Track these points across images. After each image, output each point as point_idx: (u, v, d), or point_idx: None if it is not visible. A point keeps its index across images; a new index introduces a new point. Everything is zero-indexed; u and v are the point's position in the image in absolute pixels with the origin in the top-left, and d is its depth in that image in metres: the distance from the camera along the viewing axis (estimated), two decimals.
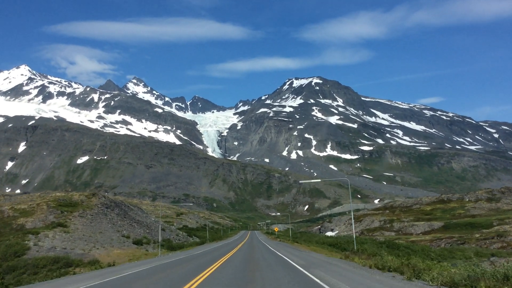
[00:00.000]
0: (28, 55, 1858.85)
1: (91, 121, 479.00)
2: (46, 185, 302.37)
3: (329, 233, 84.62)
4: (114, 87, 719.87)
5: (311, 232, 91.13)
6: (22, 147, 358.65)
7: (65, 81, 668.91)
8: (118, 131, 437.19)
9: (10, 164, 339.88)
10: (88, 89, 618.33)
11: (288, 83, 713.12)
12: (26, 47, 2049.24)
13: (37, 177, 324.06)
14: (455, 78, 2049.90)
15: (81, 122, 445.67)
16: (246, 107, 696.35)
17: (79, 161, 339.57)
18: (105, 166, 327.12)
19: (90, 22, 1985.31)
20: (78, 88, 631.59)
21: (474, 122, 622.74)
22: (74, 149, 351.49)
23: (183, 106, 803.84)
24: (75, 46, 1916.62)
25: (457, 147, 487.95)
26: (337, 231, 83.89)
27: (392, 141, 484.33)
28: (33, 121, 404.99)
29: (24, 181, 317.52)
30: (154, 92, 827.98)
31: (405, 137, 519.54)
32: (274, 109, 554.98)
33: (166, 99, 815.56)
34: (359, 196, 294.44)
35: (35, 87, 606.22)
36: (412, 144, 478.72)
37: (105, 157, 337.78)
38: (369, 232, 71.35)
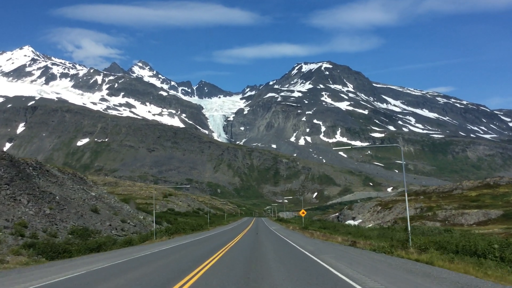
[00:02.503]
0: (34, 38, 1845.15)
1: (94, 103, 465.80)
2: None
3: (350, 222, 69.89)
4: (119, 70, 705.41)
5: (327, 220, 76.90)
6: (21, 128, 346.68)
7: (69, 63, 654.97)
8: (121, 114, 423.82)
9: (8, 145, 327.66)
10: (91, 71, 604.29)
11: (297, 67, 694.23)
12: (32, 30, 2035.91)
13: (35, 159, 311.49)
14: (467, 67, 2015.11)
15: (83, 104, 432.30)
16: (253, 92, 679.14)
17: (79, 143, 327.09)
18: (105, 149, 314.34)
19: (97, 6, 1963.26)
20: (82, 70, 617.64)
21: (488, 110, 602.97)
22: (75, 131, 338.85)
23: (189, 90, 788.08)
24: (81, 30, 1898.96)
25: (472, 135, 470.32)
26: (360, 220, 69.28)
27: (404, 128, 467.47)
28: (33, 102, 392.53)
29: None
30: (160, 76, 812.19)
31: (417, 125, 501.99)
32: (282, 93, 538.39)
33: (172, 83, 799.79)
34: (371, 184, 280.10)
35: (38, 68, 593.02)
36: (425, 131, 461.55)
37: (106, 140, 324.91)
38: (404, 222, 56.40)
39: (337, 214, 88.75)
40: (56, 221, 30.74)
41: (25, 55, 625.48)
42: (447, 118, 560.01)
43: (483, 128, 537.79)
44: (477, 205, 61.03)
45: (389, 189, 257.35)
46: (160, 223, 49.01)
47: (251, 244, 28.59)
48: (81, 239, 28.69)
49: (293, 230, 53.64)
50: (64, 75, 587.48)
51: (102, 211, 37.94)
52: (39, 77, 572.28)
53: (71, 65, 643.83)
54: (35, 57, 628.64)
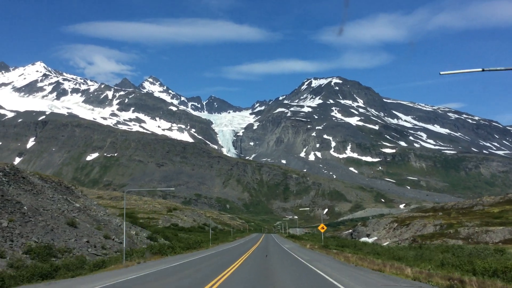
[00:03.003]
0: (46, 55, 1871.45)
1: (104, 118, 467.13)
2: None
3: (364, 240, 66.40)
4: (130, 86, 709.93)
5: (340, 237, 73.39)
6: (31, 143, 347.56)
7: (80, 79, 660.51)
8: (131, 129, 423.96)
9: (18, 160, 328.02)
10: (102, 86, 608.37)
11: (306, 83, 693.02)
12: (44, 46, 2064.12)
13: (44, 173, 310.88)
14: (478, 83, 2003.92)
15: (93, 119, 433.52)
16: (263, 108, 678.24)
17: (89, 157, 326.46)
18: (114, 164, 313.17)
19: (109, 23, 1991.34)
20: (93, 85, 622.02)
21: (501, 126, 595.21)
22: (84, 146, 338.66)
23: (199, 106, 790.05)
24: (93, 46, 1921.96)
25: (484, 151, 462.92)
26: (375, 237, 65.78)
27: (415, 144, 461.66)
28: (43, 116, 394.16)
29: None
30: (170, 91, 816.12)
31: (429, 140, 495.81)
32: (291, 109, 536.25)
33: (182, 98, 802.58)
34: (382, 200, 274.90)
35: (50, 84, 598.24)
36: (437, 147, 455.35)
37: (115, 154, 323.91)
38: (425, 239, 53.06)
39: (350, 231, 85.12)
40: (14, 236, 25.72)
41: (37, 71, 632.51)
42: (459, 134, 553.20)
43: (495, 144, 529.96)
44: (501, 222, 57.50)
45: (402, 206, 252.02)
46: (155, 239, 43.56)
47: (257, 276, 19.98)
48: (39, 260, 23.38)
49: (311, 249, 45.83)
50: (75, 91, 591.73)
51: (82, 225, 32.75)
52: (51, 92, 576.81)
53: (82, 80, 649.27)
54: (47, 73, 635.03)
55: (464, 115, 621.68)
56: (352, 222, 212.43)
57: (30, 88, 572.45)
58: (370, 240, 63.74)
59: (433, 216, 66.13)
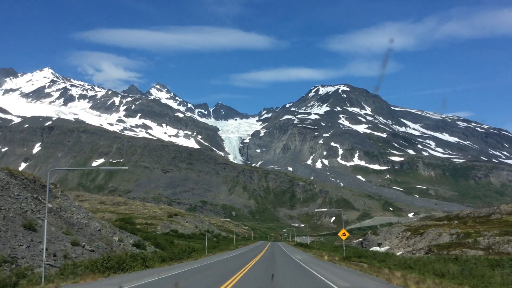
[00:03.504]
0: (55, 61, 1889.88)
1: (111, 124, 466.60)
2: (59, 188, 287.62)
3: (375, 249, 63.02)
4: (137, 92, 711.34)
5: (350, 246, 70.10)
6: (37, 148, 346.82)
7: (88, 85, 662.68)
8: (137, 135, 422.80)
9: (23, 165, 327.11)
10: (109, 92, 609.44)
11: (314, 90, 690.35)
12: (53, 53, 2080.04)
13: (50, 180, 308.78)
14: (486, 92, 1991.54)
15: (100, 125, 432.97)
16: (270, 115, 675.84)
17: (94, 163, 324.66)
18: (121, 170, 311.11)
19: (117, 30, 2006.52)
20: (100, 91, 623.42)
21: (510, 135, 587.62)
22: (90, 151, 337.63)
23: (205, 112, 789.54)
24: (102, 53, 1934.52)
25: (494, 160, 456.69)
26: (387, 247, 62.42)
27: (424, 152, 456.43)
28: (50, 122, 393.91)
29: None
30: (177, 98, 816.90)
31: (438, 149, 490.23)
32: (299, 116, 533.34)
33: (189, 105, 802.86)
34: (391, 208, 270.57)
35: (57, 90, 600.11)
36: (446, 156, 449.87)
37: (121, 160, 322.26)
38: (441, 249, 49.72)
39: (360, 239, 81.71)
40: None
41: (44, 77, 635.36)
42: (468, 142, 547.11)
43: (505, 153, 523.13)
44: None
45: (410, 215, 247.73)
46: (143, 247, 37.21)
47: None
48: None
49: (331, 262, 37.30)
50: (82, 97, 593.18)
51: (44, 228, 27.85)
52: (58, 98, 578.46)
53: (89, 86, 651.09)
54: (55, 79, 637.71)
55: (473, 124, 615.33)
56: (360, 230, 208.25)
57: (38, 94, 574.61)
58: (382, 249, 60.43)
59: (448, 225, 62.74)
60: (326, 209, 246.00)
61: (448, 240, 55.42)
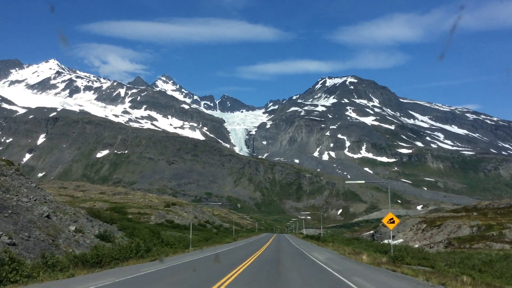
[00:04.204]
0: (61, 53, 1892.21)
1: (116, 116, 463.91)
2: (63, 178, 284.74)
3: (387, 241, 58.61)
4: (143, 84, 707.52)
5: (362, 239, 65.79)
6: (41, 139, 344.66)
7: (93, 76, 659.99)
8: (143, 126, 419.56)
9: (28, 156, 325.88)
10: (115, 84, 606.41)
11: (321, 82, 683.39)
12: (59, 45, 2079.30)
13: (54, 170, 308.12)
14: (495, 84, 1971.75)
15: (105, 116, 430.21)
16: (276, 107, 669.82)
17: (99, 154, 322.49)
18: (125, 161, 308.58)
19: (123, 22, 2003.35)
20: (106, 83, 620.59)
21: None
22: (95, 143, 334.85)
23: (211, 105, 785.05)
24: (108, 46, 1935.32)
25: (503, 152, 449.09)
26: (400, 240, 58.03)
27: (432, 145, 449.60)
28: (55, 113, 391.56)
29: (40, 174, 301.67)
30: (183, 90, 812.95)
31: (446, 141, 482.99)
32: (305, 108, 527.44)
33: (195, 97, 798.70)
34: (399, 201, 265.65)
35: (63, 81, 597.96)
36: (454, 148, 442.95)
37: (126, 151, 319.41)
38: (462, 243, 45.20)
39: (371, 232, 77.36)
40: None
41: (50, 68, 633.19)
42: (477, 134, 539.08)
43: None
44: None
45: (419, 207, 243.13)
46: (109, 239, 28.90)
47: None
48: None
49: (378, 266, 24.80)
50: (87, 88, 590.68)
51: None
52: (63, 89, 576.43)
53: (95, 78, 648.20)
54: (60, 70, 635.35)
55: (483, 116, 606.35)
56: (368, 223, 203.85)
57: (43, 85, 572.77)
58: (396, 242, 56.06)
59: (466, 217, 58.23)
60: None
61: (468, 232, 50.96)
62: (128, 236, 32.58)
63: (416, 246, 50.96)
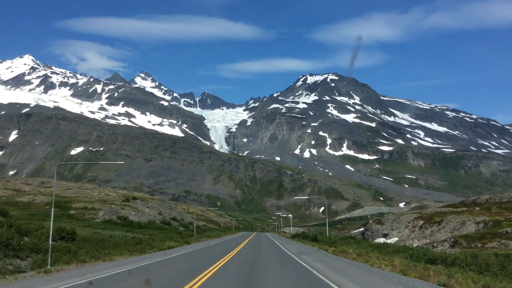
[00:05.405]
0: (37, 50, 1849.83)
1: (92, 112, 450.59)
2: (35, 177, 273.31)
3: (380, 240, 52.39)
4: (121, 80, 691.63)
5: (354, 237, 59.57)
6: (13, 136, 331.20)
7: (69, 72, 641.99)
8: (120, 123, 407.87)
9: None
10: (91, 80, 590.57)
11: (302, 79, 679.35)
12: (35, 41, 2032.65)
13: (26, 168, 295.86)
14: (472, 84, 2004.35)
15: (81, 112, 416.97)
16: (257, 104, 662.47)
17: (73, 152, 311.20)
18: (100, 158, 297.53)
19: (101, 19, 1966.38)
20: (82, 79, 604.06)
21: (499, 125, 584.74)
22: (69, 139, 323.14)
23: (191, 102, 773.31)
24: (85, 42, 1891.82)
25: (483, 150, 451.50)
26: (395, 238, 51.82)
27: (413, 142, 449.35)
28: (28, 109, 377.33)
29: (11, 172, 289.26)
30: (162, 87, 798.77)
31: (427, 138, 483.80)
32: (286, 105, 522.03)
33: (175, 94, 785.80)
34: (381, 198, 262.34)
35: (37, 77, 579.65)
36: (435, 145, 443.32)
37: (101, 149, 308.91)
38: (472, 241, 38.96)
39: (361, 229, 71.31)
40: None
41: (25, 64, 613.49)
42: (457, 132, 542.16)
43: (494, 143, 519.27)
44: None
45: (401, 205, 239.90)
46: None
47: None
48: None
49: None
50: (63, 84, 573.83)
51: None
52: (38, 85, 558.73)
53: (71, 74, 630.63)
54: (35, 66, 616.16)
55: (462, 114, 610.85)
56: (350, 221, 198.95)
57: (17, 81, 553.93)
58: (389, 241, 49.73)
59: (468, 212, 52.31)
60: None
61: (474, 229, 44.93)
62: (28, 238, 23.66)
63: (415, 245, 44.70)
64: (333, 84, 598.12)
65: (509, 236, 37.67)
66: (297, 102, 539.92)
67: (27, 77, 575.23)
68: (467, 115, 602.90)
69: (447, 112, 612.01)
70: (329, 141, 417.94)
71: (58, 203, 43.25)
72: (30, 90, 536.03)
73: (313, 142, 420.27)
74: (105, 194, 69.13)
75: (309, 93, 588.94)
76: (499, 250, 35.80)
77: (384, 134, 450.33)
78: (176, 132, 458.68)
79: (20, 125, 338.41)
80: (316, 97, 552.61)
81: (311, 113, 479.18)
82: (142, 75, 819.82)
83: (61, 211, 43.60)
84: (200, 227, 66.85)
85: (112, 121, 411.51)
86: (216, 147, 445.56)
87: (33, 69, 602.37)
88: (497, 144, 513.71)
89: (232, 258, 27.04)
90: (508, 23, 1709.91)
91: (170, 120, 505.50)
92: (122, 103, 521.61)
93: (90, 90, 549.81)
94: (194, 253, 33.32)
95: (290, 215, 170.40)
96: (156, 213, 63.81)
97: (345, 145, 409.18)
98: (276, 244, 44.96)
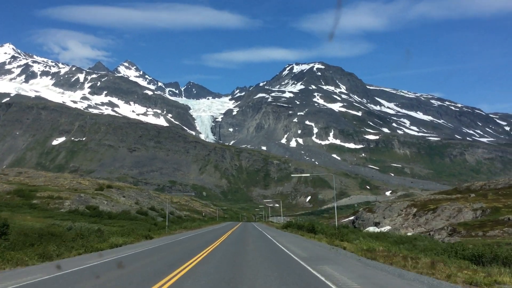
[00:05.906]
0: (19, 39, 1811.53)
1: (74, 102, 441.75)
2: (15, 167, 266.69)
3: (371, 229, 49.64)
4: (104, 69, 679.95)
5: (342, 226, 57.05)
6: None
7: (51, 61, 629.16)
8: (103, 113, 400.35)
9: None
10: (74, 69, 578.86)
11: (288, 68, 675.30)
12: (16, 30, 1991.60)
13: (6, 159, 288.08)
14: (457, 74, 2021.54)
15: (63, 102, 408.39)
16: (243, 94, 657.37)
17: (55, 142, 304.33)
18: (82, 148, 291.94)
19: (83, 7, 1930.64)
20: (64, 68, 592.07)
21: (483, 113, 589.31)
22: (50, 129, 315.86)
23: (177, 91, 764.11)
24: (68, 31, 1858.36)
25: (468, 138, 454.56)
26: (387, 227, 49.17)
27: (399, 131, 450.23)
28: (8, 99, 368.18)
29: None
30: (146, 76, 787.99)
31: (412, 127, 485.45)
32: (273, 94, 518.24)
33: (159, 84, 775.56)
34: (368, 187, 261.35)
35: (18, 66, 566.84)
36: (420, 134, 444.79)
37: (84, 139, 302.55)
38: (471, 229, 36.31)
39: (351, 218, 68.88)
40: None
41: (5, 53, 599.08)
42: (442, 121, 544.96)
43: (478, 131, 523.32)
44: None
45: (388, 193, 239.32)
46: None
47: None
48: None
49: None
50: (45, 73, 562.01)
51: None
52: (19, 75, 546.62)
53: (53, 63, 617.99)
54: (16, 55, 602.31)
55: (447, 102, 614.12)
56: (337, 210, 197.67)
57: None
58: (382, 230, 47.01)
59: (464, 199, 49.83)
60: (278, 205, 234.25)
61: (471, 217, 42.35)
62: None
63: (410, 234, 41.95)
64: (319, 73, 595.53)
65: (511, 224, 35.07)
66: (283, 92, 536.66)
67: (7, 66, 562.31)
68: (452, 104, 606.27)
69: (432, 101, 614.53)
70: (315, 130, 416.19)
71: (22, 192, 39.73)
72: (10, 79, 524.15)
73: (299, 131, 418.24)
74: (77, 182, 65.21)
75: (295, 82, 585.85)
76: (502, 239, 33.15)
77: (370, 123, 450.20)
78: (161, 121, 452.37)
79: (0, 115, 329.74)
80: (303, 86, 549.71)
81: (297, 102, 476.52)
82: (126, 64, 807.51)
83: (23, 200, 40.03)
84: (182, 218, 63.23)
85: (95, 111, 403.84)
86: (202, 136, 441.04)
87: (13, 58, 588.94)
88: (481, 133, 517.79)
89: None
90: (492, 13, 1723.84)
91: (154, 110, 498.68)
92: (105, 92, 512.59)
93: (72, 80, 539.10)
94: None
95: (278, 205, 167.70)
96: (132, 202, 60.03)
97: (331, 134, 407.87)
98: (268, 239, 33.83)
